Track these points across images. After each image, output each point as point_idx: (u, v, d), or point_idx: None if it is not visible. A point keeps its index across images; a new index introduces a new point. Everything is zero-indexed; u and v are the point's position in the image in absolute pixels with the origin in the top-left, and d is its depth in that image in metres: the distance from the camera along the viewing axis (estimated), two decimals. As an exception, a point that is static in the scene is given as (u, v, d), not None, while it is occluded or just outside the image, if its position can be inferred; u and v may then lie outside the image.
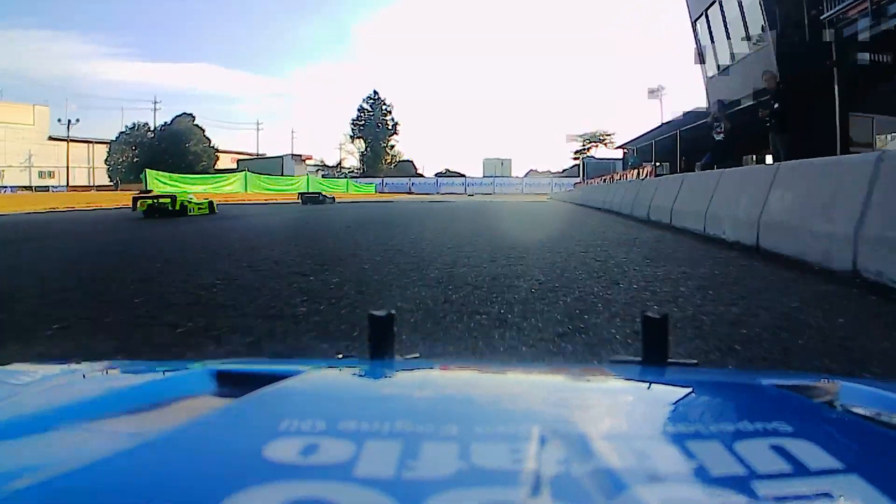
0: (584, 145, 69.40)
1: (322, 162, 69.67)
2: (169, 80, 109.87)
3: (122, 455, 0.33)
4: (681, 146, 22.95)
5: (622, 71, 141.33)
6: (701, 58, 20.50)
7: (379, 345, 0.61)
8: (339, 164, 69.59)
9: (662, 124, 24.16)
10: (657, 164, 23.36)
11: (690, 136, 22.57)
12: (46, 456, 0.38)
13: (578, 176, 56.70)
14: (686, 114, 21.36)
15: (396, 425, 0.36)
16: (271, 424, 0.36)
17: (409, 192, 55.03)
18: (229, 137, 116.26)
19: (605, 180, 29.14)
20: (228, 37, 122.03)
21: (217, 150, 63.97)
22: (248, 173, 44.82)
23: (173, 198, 14.04)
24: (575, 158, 69.17)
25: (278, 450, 0.32)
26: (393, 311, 0.62)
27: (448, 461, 0.31)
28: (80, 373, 0.64)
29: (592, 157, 59.66)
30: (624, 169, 28.55)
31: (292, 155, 65.02)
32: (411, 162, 70.36)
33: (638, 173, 24.39)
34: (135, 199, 13.75)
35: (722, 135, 10.99)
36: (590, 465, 0.31)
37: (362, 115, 68.86)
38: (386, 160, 68.73)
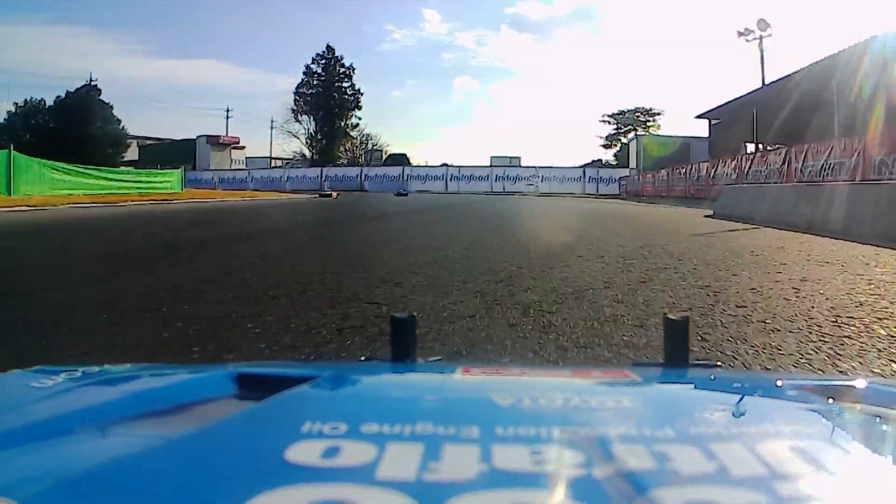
0: (618, 128, 50.19)
1: (302, 153, 52.33)
2: (177, 76, 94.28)
3: (144, 457, 0.34)
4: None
5: (663, 30, 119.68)
6: None
7: (400, 347, 0.61)
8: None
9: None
10: None
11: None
12: (70, 459, 0.37)
13: (606, 168, 39.06)
14: None
15: (418, 427, 0.36)
16: (293, 427, 0.36)
17: (361, 190, 38.02)
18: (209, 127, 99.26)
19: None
20: (241, 34, 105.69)
21: (129, 136, 46.87)
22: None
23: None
24: (606, 147, 50.00)
25: (300, 452, 0.32)
26: (414, 313, 0.62)
27: (469, 463, 0.31)
28: (102, 375, 0.61)
29: (648, 134, 41.25)
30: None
31: (207, 137, 47.18)
32: (405, 155, 52.67)
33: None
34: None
35: None
36: (610, 468, 0.31)
37: (310, 80, 49.34)
38: (346, 144, 50.01)
